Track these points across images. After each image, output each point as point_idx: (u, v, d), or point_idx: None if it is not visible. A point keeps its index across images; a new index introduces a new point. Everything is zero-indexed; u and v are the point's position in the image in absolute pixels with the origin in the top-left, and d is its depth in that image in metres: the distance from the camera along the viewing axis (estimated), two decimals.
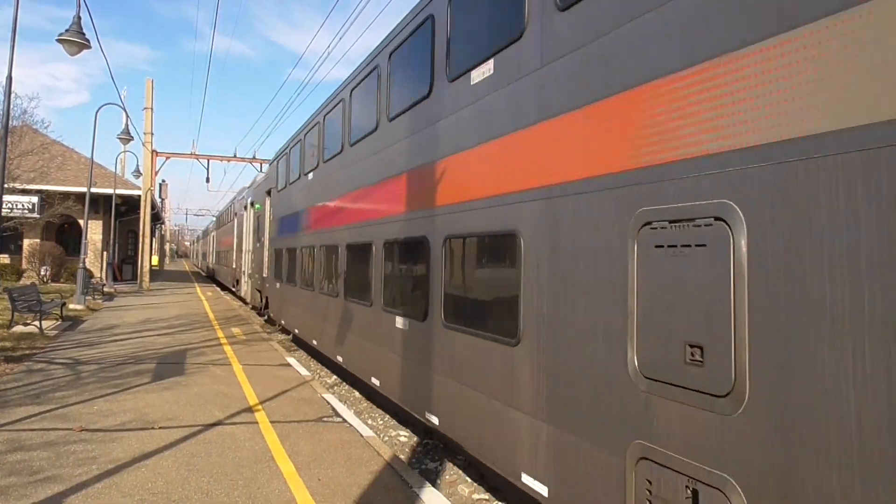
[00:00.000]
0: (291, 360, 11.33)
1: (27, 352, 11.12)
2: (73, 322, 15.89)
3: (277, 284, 15.79)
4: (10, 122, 13.07)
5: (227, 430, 6.72)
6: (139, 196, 31.90)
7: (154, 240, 46.86)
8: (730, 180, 2.92)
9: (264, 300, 18.54)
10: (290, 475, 5.40)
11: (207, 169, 35.84)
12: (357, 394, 9.92)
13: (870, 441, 2.34)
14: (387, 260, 7.77)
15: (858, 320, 2.40)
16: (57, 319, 15.52)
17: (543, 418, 4.27)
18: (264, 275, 18.18)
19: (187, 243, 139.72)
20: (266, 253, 17.90)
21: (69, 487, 4.92)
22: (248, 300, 22.52)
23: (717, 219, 2.98)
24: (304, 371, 10.38)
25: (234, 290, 28.08)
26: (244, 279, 23.61)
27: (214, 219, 50.25)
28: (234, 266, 27.81)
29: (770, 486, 2.69)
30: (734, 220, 2.89)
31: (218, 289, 33.64)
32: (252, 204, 21.25)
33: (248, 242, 22.49)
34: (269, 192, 17.64)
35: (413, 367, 6.80)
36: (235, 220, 27.06)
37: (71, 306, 18.34)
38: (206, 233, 60.73)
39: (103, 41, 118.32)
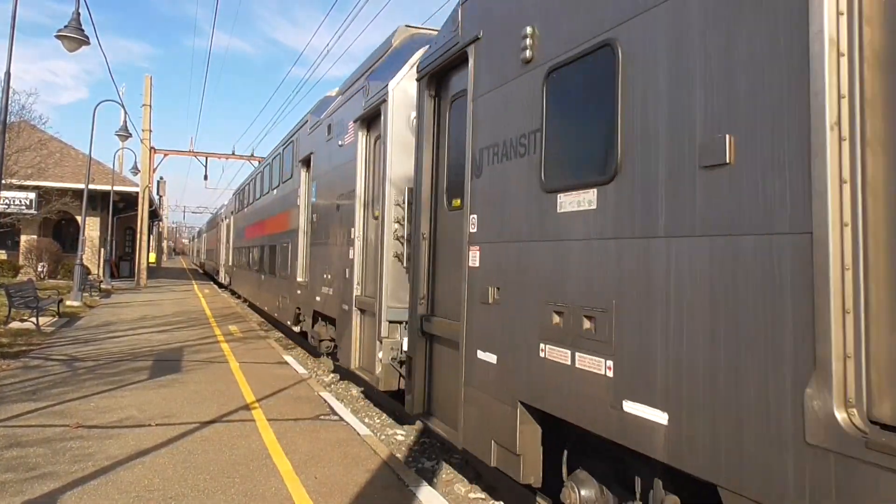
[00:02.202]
0: (288, 358, 11.32)
1: (24, 348, 11.09)
2: (69, 319, 15.86)
3: None
4: (8, 118, 13.03)
5: (224, 427, 6.71)
6: (137, 193, 31.86)
7: (151, 237, 46.73)
8: None
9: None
10: (286, 473, 5.39)
11: (205, 166, 35.86)
12: (354, 392, 9.92)
13: None
14: None
15: None
16: (54, 316, 15.47)
17: None
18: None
19: (185, 241, 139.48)
20: None
21: (65, 484, 4.91)
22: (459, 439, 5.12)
23: None
24: (301, 369, 10.38)
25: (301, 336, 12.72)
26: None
27: (217, 210, 43.00)
28: (301, 278, 11.93)
29: None
30: None
31: (215, 286, 33.59)
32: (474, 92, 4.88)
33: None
34: None
35: None
36: (302, 178, 12.00)
37: (68, 303, 18.29)
38: (211, 224, 48.25)
39: (102, 37, 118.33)
